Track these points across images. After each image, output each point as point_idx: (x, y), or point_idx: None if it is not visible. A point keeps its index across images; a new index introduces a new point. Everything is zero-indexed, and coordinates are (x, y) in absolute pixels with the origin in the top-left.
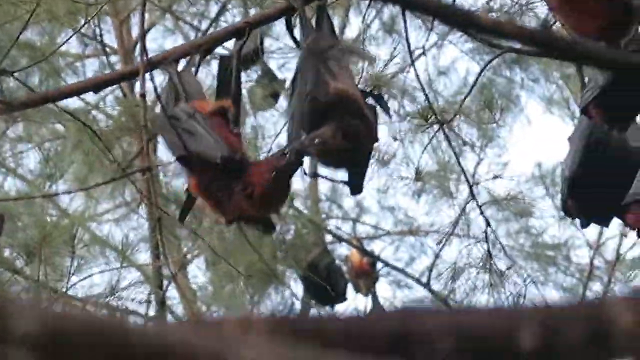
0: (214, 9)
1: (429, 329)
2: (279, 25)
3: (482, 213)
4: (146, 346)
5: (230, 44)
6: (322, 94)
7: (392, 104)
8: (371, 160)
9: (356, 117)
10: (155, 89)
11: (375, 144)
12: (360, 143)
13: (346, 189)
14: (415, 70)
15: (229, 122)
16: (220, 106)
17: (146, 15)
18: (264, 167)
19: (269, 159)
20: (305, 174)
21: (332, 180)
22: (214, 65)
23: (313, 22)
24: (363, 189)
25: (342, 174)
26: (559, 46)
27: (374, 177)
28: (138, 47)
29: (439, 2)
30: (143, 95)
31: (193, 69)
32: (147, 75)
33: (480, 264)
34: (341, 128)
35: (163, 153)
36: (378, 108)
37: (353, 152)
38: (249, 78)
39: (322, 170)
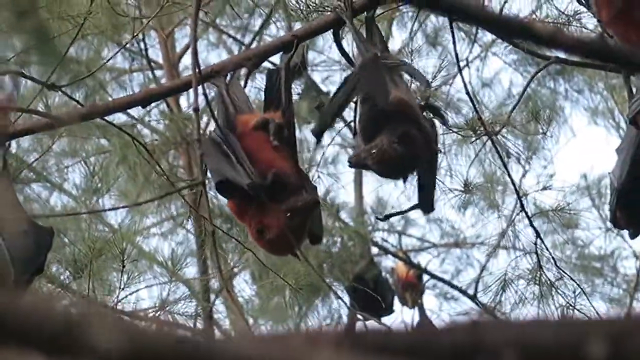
0: (257, 22)
1: (496, 341)
2: (323, 39)
3: (532, 224)
4: None
5: (274, 57)
6: (382, 100)
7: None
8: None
9: (413, 127)
10: (209, 103)
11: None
12: (418, 151)
13: (391, 202)
14: (463, 81)
15: (269, 136)
16: (263, 120)
17: (189, 29)
18: (282, 210)
19: (289, 201)
20: (377, 218)
21: (402, 212)
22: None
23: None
24: (435, 206)
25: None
26: (617, 57)
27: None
28: (183, 60)
29: (493, 12)
30: (197, 110)
31: (241, 82)
32: (199, 89)
33: (530, 276)
34: (397, 136)
35: None
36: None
37: (410, 160)
38: (293, 90)
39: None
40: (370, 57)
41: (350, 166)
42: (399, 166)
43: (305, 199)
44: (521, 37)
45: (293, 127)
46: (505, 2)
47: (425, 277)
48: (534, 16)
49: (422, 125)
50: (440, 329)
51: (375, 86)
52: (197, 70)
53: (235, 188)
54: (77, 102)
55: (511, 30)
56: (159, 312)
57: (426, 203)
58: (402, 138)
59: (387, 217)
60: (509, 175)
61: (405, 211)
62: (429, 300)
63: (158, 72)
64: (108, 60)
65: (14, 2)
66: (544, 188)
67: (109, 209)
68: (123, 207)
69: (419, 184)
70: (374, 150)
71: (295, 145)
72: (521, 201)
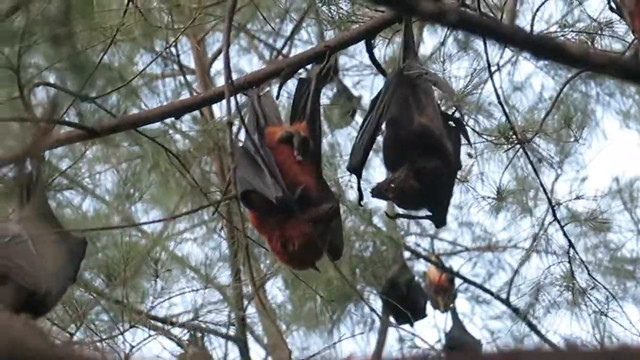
0: (289, 28)
1: None
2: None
3: (564, 234)
4: None
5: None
6: (405, 127)
7: (468, 121)
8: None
9: (435, 155)
10: (242, 116)
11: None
12: (437, 183)
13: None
14: (494, 88)
15: (293, 150)
16: (287, 134)
17: (221, 35)
18: (304, 222)
19: (311, 211)
20: (387, 215)
21: (413, 217)
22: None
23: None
24: (446, 222)
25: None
26: None
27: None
28: (215, 65)
29: (527, 33)
30: (230, 124)
31: (272, 92)
32: (232, 101)
33: (563, 283)
34: (417, 170)
35: None
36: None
37: (429, 194)
38: (324, 96)
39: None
40: (394, 75)
41: (372, 196)
42: (416, 201)
43: (325, 208)
44: (556, 58)
45: (319, 138)
46: (537, 10)
47: (458, 280)
48: (564, 22)
49: (444, 150)
50: (479, 356)
51: (399, 113)
52: (230, 82)
53: (260, 200)
54: (110, 113)
55: (546, 52)
56: (192, 321)
57: (439, 217)
58: (420, 172)
59: (397, 216)
60: (541, 184)
61: (417, 217)
62: (461, 303)
63: (190, 77)
64: (143, 70)
65: (49, 27)
66: (577, 197)
67: (143, 223)
68: (157, 221)
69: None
70: (392, 185)
71: (320, 157)
72: (553, 210)
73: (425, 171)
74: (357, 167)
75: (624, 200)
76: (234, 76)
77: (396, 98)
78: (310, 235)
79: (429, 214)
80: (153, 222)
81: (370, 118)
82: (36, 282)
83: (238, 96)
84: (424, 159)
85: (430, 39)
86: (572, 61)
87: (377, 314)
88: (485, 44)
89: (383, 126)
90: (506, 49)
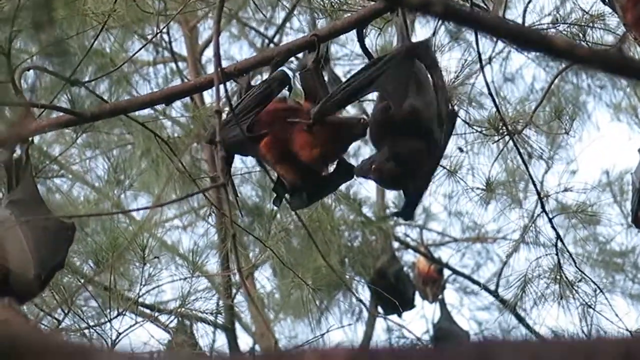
0: (280, 16)
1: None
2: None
3: (552, 226)
4: None
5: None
6: (395, 106)
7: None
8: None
9: (420, 140)
10: (230, 102)
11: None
12: (415, 167)
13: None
14: (485, 80)
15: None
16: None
17: (211, 22)
18: (334, 122)
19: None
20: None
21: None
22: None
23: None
24: (414, 216)
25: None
26: (636, 70)
27: (442, 184)
28: (206, 53)
29: (511, 25)
30: (219, 112)
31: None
32: (222, 89)
33: (550, 275)
34: (398, 152)
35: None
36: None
37: (407, 177)
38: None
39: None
40: (405, 49)
41: (356, 176)
42: (394, 183)
43: (356, 118)
44: (540, 50)
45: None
46: (529, 2)
47: (447, 271)
48: (556, 14)
49: (431, 137)
50: (453, 349)
51: (394, 89)
52: (219, 70)
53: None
54: (101, 98)
55: (530, 44)
56: (180, 309)
57: (408, 211)
58: (399, 156)
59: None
60: (530, 177)
61: (387, 216)
62: (450, 294)
63: (181, 65)
64: (133, 55)
65: (32, 15)
66: (565, 190)
67: (132, 210)
68: (146, 207)
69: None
70: (373, 165)
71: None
72: (542, 202)
73: (405, 154)
74: (318, 115)
75: (613, 194)
76: (225, 64)
77: (395, 73)
78: (337, 132)
79: (397, 211)
80: (142, 208)
81: (358, 80)
82: (24, 266)
83: (228, 84)
84: (408, 141)
85: (421, 30)
86: (558, 54)
87: (365, 305)
88: (476, 35)
89: (371, 96)
90: (498, 41)
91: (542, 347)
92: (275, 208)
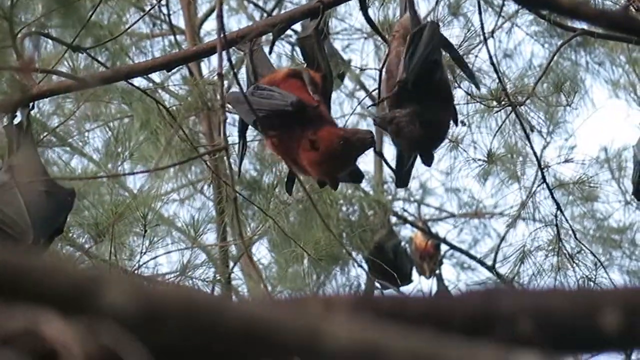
0: None
1: (512, 309)
2: (344, 6)
3: (553, 197)
4: (239, 323)
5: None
6: (443, 74)
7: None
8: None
9: (446, 109)
10: (232, 67)
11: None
12: (436, 133)
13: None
14: (488, 51)
15: (305, 85)
16: (293, 70)
17: None
18: (339, 131)
19: (348, 129)
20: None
21: (387, 164)
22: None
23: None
24: (408, 184)
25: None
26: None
27: (442, 158)
28: (205, 26)
29: None
30: (221, 75)
31: (265, 48)
32: (224, 54)
33: (549, 248)
34: (421, 114)
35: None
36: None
37: (423, 145)
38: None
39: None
40: (435, 26)
41: (374, 124)
42: (410, 144)
43: (366, 131)
44: (544, 7)
45: (330, 85)
46: None
47: (444, 247)
48: None
49: (454, 108)
50: (456, 296)
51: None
52: (222, 35)
53: (273, 122)
54: (102, 63)
55: (535, 1)
56: (178, 278)
57: (403, 178)
58: (425, 117)
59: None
60: (532, 147)
61: (389, 165)
62: (447, 270)
63: (179, 38)
64: (132, 25)
65: None
66: (566, 160)
67: (130, 173)
68: (144, 171)
69: (400, 156)
70: (395, 120)
71: (330, 107)
72: (542, 173)
73: (434, 122)
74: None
75: (611, 170)
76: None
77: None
78: (341, 139)
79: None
80: (142, 172)
81: (421, 46)
82: (23, 230)
83: (231, 52)
84: (437, 108)
85: (422, 3)
86: (562, 12)
87: (367, 273)
88: (479, 6)
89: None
90: (500, 16)
91: (545, 295)
92: (275, 182)
